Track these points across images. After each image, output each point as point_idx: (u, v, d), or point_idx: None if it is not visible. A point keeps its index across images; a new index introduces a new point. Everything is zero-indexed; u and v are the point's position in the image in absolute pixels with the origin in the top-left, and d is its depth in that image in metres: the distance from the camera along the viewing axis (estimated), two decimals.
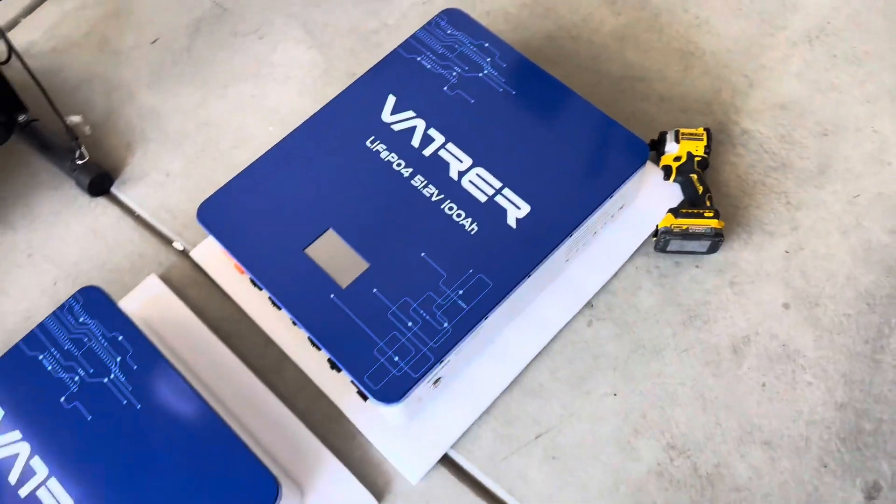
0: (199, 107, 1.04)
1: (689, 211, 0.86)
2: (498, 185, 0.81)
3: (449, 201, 0.80)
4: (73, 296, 0.79)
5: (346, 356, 0.73)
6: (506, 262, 0.77)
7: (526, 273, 0.76)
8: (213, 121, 1.03)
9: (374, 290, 0.76)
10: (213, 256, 0.91)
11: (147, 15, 1.12)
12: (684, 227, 0.85)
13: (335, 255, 0.79)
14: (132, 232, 0.96)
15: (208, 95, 1.05)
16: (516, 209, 0.79)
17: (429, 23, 0.92)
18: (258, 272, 0.78)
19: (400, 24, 1.07)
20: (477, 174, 0.82)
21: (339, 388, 0.83)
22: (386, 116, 0.86)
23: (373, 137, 0.85)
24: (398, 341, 0.73)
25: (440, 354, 0.73)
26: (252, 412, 0.83)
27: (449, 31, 0.91)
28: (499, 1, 1.08)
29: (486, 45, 0.89)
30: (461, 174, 0.82)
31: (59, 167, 0.99)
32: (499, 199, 0.80)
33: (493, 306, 0.75)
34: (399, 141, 0.84)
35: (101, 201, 0.99)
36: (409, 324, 0.74)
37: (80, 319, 0.78)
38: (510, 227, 0.78)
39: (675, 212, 0.86)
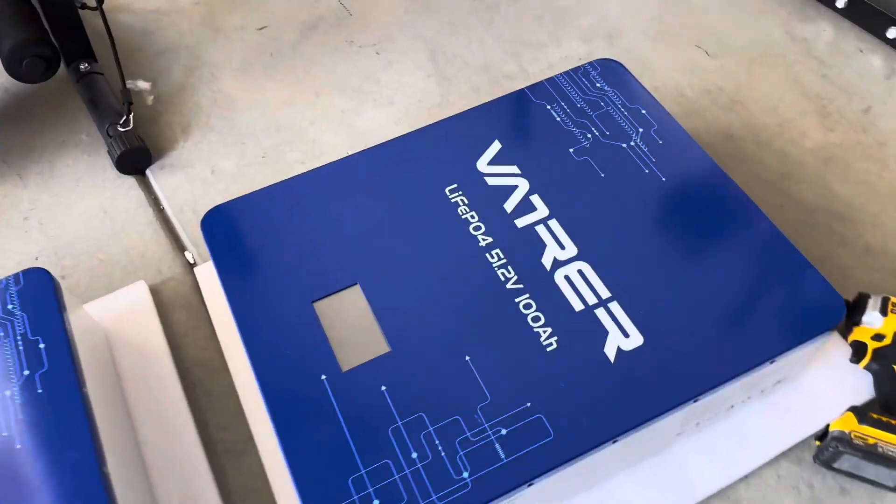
0: (281, 107, 0.86)
1: (883, 419, 0.56)
2: (605, 294, 0.55)
3: (528, 296, 0.55)
4: None
5: (305, 471, 0.49)
6: (586, 408, 0.50)
7: (611, 436, 0.49)
8: (289, 126, 0.84)
9: (383, 388, 0.52)
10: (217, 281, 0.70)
11: None
12: (870, 442, 0.55)
13: (350, 323, 0.55)
14: (146, 225, 0.77)
15: (296, 97, 0.87)
16: (622, 336, 0.53)
17: (576, 69, 0.69)
18: (239, 307, 0.56)
19: (543, 74, 0.86)
20: (579, 271, 0.57)
21: None
22: (482, 165, 0.63)
23: (455, 185, 0.62)
24: (389, 477, 0.48)
25: None
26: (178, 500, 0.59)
27: (598, 85, 0.68)
28: (675, 78, 0.85)
29: (644, 111, 0.66)
30: (557, 264, 0.57)
31: (99, 130, 0.83)
32: (600, 313, 0.54)
33: (546, 470, 0.48)
34: (488, 199, 0.61)
35: (129, 181, 0.81)
36: (414, 455, 0.49)
37: None
38: (606, 358, 0.52)
39: (859, 413, 0.57)
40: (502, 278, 0.56)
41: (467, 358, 0.53)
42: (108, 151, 0.81)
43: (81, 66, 0.85)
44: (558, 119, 0.66)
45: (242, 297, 0.57)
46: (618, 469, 0.57)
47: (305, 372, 0.53)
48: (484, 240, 0.59)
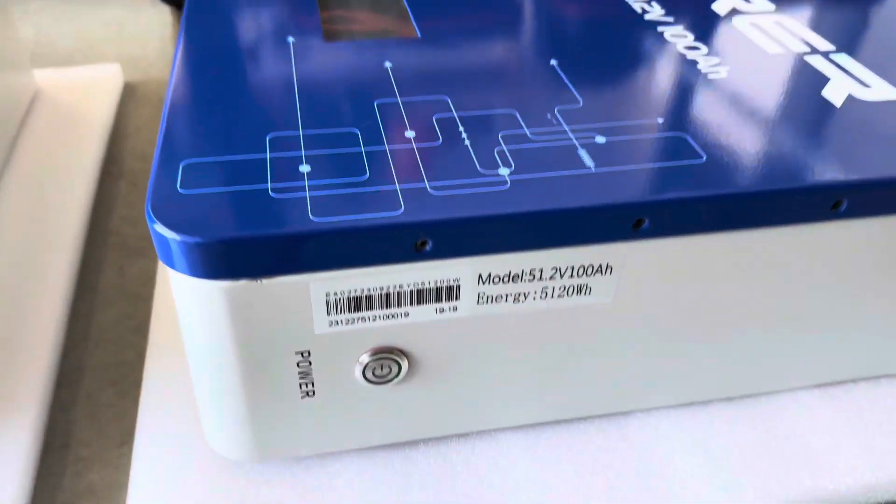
0: None
1: None
2: (827, 46, 0.30)
3: (682, 27, 0.31)
4: None
5: (193, 121, 0.24)
6: (779, 145, 0.24)
7: (819, 183, 0.22)
8: None
9: (387, 65, 0.28)
10: None
11: None
12: None
13: (361, 7, 0.33)
14: (157, 40, 0.59)
15: None
16: (857, 84, 0.28)
17: None
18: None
19: None
20: (783, 25, 0.32)
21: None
22: None
23: None
24: (348, 146, 0.23)
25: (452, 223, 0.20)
26: None
27: None
28: None
29: None
30: (738, 12, 0.33)
31: None
32: (816, 61, 0.29)
33: (687, 196, 0.21)
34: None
35: (163, 9, 0.65)
36: (410, 134, 0.23)
37: None
38: (826, 102, 0.26)
39: None
40: (639, 10, 0.33)
41: (553, 62, 0.28)
42: None
43: None
44: None
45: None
46: (798, 364, 0.28)
47: (262, 32, 0.30)
48: (640, 6, 0.36)
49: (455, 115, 0.25)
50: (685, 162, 0.23)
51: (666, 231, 0.22)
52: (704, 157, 0.23)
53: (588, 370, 0.25)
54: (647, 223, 0.21)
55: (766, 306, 0.25)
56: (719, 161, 0.23)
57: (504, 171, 0.22)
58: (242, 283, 0.20)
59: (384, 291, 0.21)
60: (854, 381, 0.29)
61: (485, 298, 0.22)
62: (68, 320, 0.33)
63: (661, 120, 0.25)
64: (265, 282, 0.20)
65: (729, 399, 0.28)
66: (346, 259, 0.20)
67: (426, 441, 0.26)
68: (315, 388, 0.23)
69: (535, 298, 0.23)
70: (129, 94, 0.51)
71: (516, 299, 0.22)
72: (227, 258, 0.19)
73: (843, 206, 0.23)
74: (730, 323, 0.25)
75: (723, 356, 0.26)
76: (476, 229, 0.20)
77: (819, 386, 0.28)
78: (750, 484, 0.25)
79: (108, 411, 0.30)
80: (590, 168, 0.22)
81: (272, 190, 0.21)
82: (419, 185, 0.21)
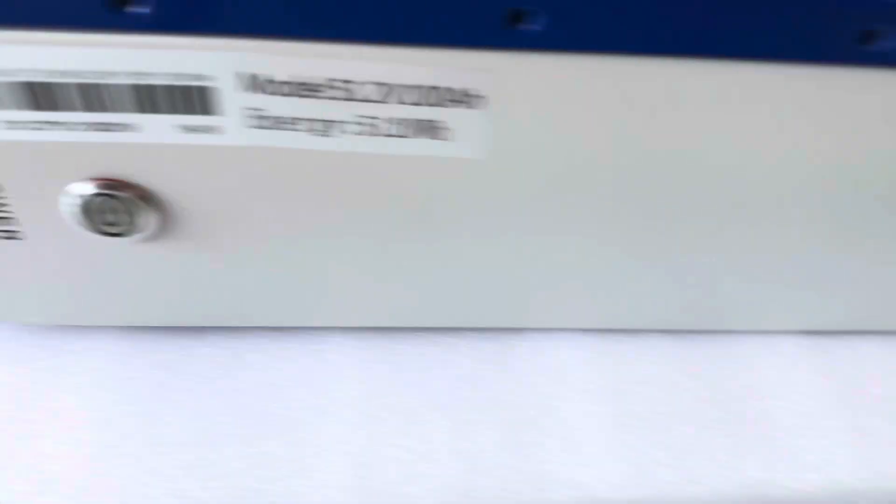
0: None
1: None
2: None
3: None
4: None
5: None
6: None
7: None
8: None
9: None
10: None
11: None
12: None
13: None
14: None
15: None
16: None
17: None
18: None
19: None
20: None
21: None
22: None
23: None
24: None
25: None
26: None
27: None
28: None
29: None
30: None
31: None
32: None
33: None
34: None
35: None
36: None
37: None
38: None
39: None
40: None
41: None
42: None
43: None
44: None
45: None
46: (770, 295, 0.19)
47: None
48: None
49: None
50: None
51: (570, 38, 0.13)
52: None
53: (447, 264, 0.17)
54: (533, 20, 0.12)
55: (721, 193, 0.16)
56: None
57: None
58: None
59: (83, 80, 0.13)
60: (846, 332, 0.20)
61: (259, 118, 0.14)
62: None
63: None
64: None
65: (664, 332, 0.19)
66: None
67: (217, 330, 0.19)
68: (21, 229, 0.15)
69: (349, 131, 0.14)
70: None
71: (313, 128, 0.14)
72: None
73: (876, 44, 0.13)
74: (668, 210, 0.16)
75: (657, 264, 0.17)
76: None
77: (806, 333, 0.20)
78: (660, 458, 0.17)
79: None
80: None
81: None
82: None
